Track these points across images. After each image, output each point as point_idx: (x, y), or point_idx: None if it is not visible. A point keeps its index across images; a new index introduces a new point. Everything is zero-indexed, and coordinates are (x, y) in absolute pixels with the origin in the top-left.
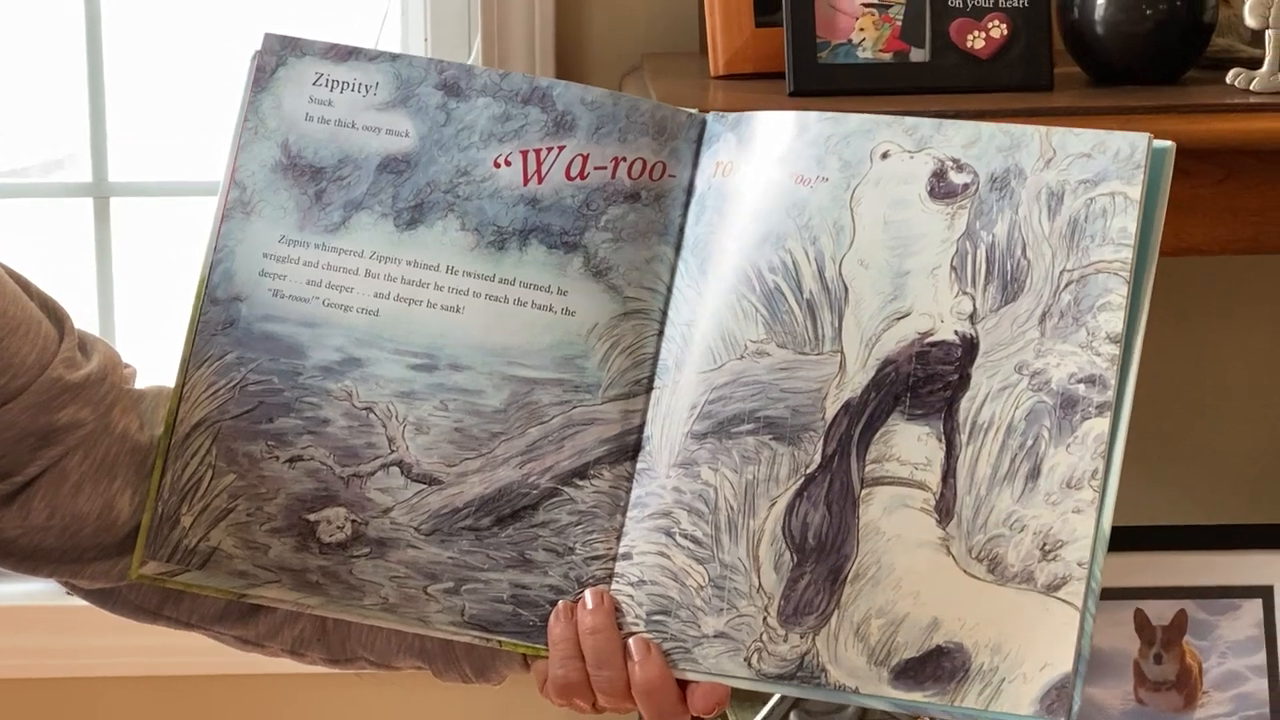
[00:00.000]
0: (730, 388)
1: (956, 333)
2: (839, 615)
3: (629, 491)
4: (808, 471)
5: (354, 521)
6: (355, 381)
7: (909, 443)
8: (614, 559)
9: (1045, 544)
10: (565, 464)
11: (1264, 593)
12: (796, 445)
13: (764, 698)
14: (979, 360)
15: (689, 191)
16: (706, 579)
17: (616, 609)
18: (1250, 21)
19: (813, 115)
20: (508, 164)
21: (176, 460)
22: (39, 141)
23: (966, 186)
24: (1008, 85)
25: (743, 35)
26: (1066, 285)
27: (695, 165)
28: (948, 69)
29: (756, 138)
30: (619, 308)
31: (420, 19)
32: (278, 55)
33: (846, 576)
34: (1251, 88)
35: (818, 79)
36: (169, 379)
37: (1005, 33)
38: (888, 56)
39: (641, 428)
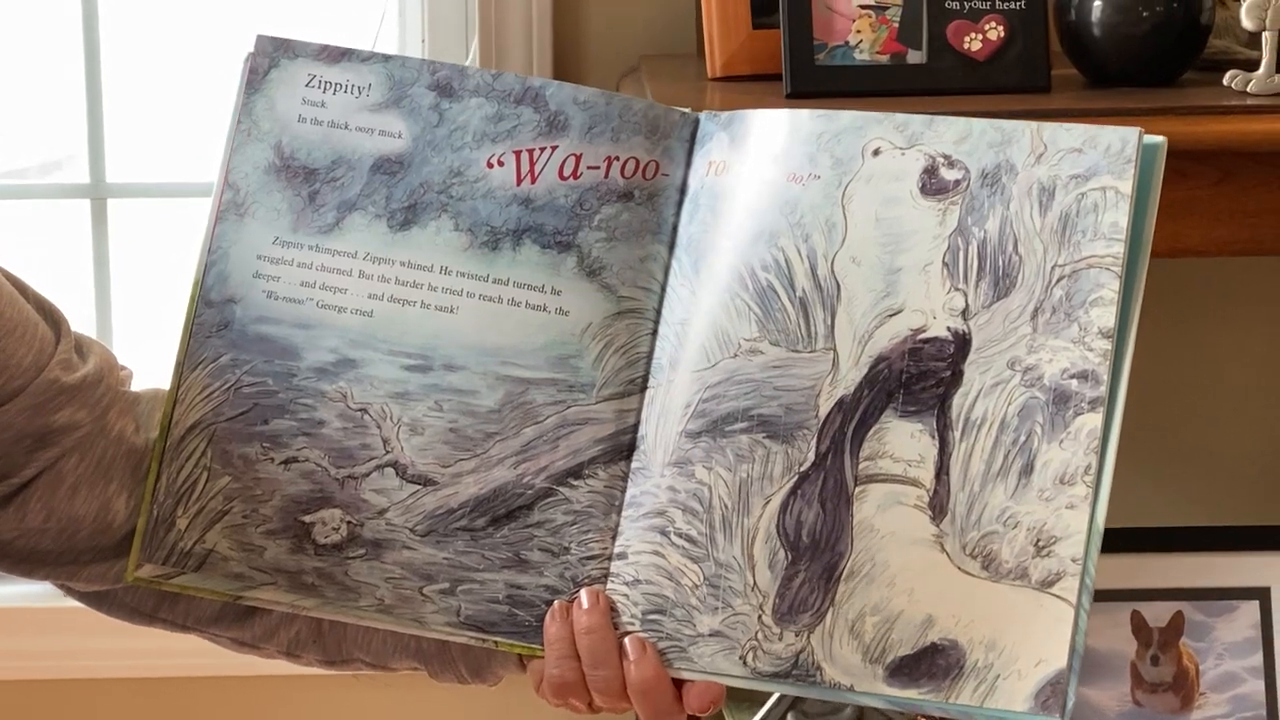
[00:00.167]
0: (724, 386)
1: (949, 329)
2: (834, 613)
3: (624, 491)
4: (801, 469)
5: (349, 523)
6: (350, 383)
7: (902, 440)
8: (609, 558)
9: (1039, 540)
10: (560, 464)
11: (1261, 594)
12: (790, 443)
13: (762, 699)
14: (971, 356)
15: (682, 190)
16: (701, 578)
17: (612, 608)
18: (1247, 23)
19: (804, 113)
20: (501, 164)
21: (172, 463)
22: (37, 143)
23: (958, 183)
24: (1005, 87)
25: (740, 37)
26: (1058, 280)
27: (688, 164)
28: (945, 71)
29: (749, 136)
30: (613, 307)
31: (417, 21)
32: (270, 57)
33: (841, 574)
34: (1249, 89)
35: (815, 81)
36: (166, 381)
37: (1002, 35)
38: (885, 58)
39: (636, 427)
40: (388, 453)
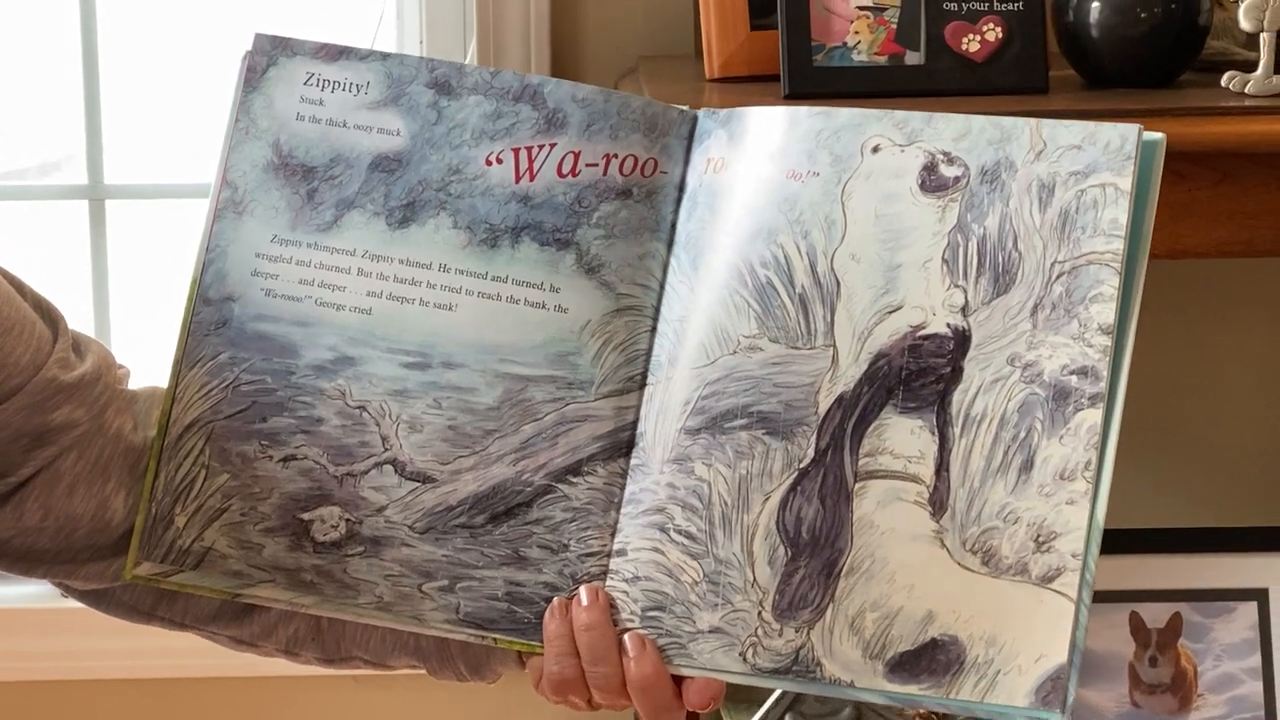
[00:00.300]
0: (723, 383)
1: (948, 325)
2: (834, 609)
3: (623, 488)
4: (801, 466)
5: (348, 520)
6: (348, 380)
7: (902, 436)
8: (608, 555)
9: (1039, 535)
10: (559, 461)
11: (1259, 595)
12: (790, 440)
13: (760, 699)
14: (971, 353)
15: (680, 188)
16: (701, 574)
17: (611, 605)
18: (1245, 24)
19: (803, 110)
20: (499, 162)
21: (170, 461)
22: (35, 144)
23: (957, 179)
24: (1003, 88)
25: (738, 38)
26: (1058, 277)
27: (687, 162)
28: (943, 72)
29: (747, 134)
30: (611, 304)
31: (415, 21)
32: (268, 55)
33: (841, 570)
34: (1246, 90)
35: (813, 82)
36: (164, 380)
37: (1000, 36)
38: (883, 59)
39: (635, 424)
40: (386, 450)
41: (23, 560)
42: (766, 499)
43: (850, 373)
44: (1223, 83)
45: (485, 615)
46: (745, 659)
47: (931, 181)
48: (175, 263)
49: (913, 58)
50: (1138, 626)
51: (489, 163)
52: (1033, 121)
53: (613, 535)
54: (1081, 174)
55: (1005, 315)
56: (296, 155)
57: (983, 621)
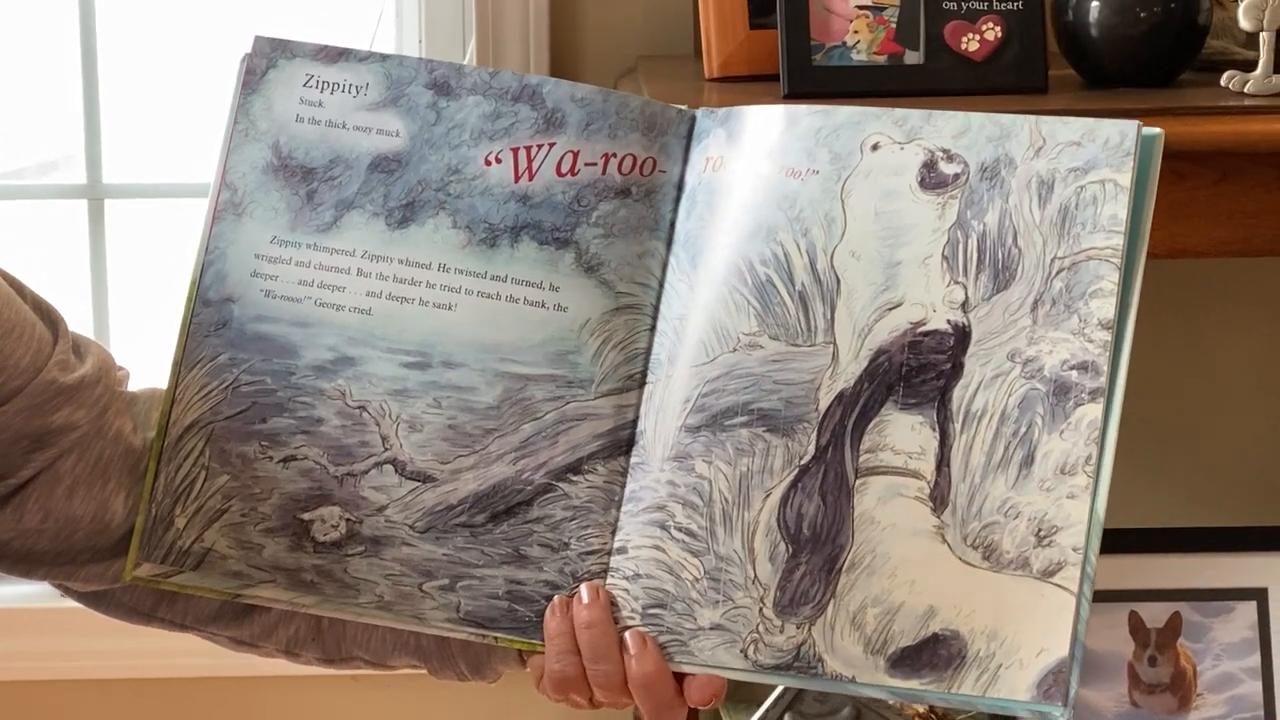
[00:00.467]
0: (723, 380)
1: (949, 322)
2: (835, 605)
3: (623, 486)
4: (802, 463)
5: (348, 520)
6: (348, 380)
7: (903, 432)
8: (609, 553)
9: (1040, 530)
10: (559, 459)
11: (1258, 595)
12: (790, 437)
13: (760, 698)
14: (971, 349)
15: (679, 186)
16: (702, 571)
17: (612, 603)
18: (1244, 24)
19: (802, 108)
20: (498, 161)
21: (170, 462)
22: (34, 143)
23: (957, 176)
24: (1002, 88)
25: (737, 38)
26: (1058, 273)
27: (685, 160)
28: (942, 71)
29: (746, 132)
30: (611, 303)
31: (414, 22)
32: (268, 57)
33: (842, 566)
34: (1246, 90)
35: (812, 81)
36: (163, 381)
37: (1000, 35)
38: (882, 59)
39: (635, 422)
40: (386, 450)
41: (22, 562)
42: (767, 496)
43: (850, 369)
44: (1222, 82)
45: (486, 614)
46: (746, 656)
47: (931, 179)
48: (174, 262)
49: (912, 57)
50: (1137, 626)
51: (488, 162)
52: (1032, 118)
53: (613, 533)
54: (1081, 170)
55: (1005, 311)
56: (296, 156)
57: (984, 616)
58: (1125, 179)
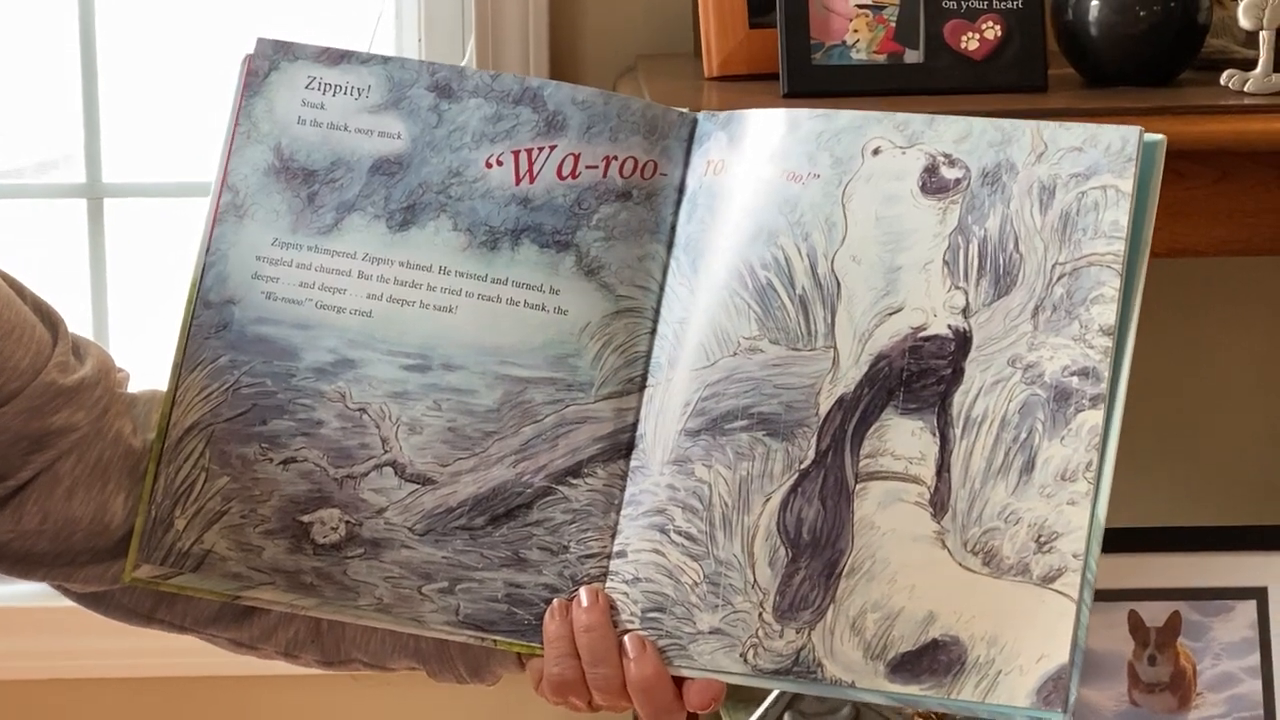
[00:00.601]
0: (723, 384)
1: (949, 327)
2: (834, 610)
3: (623, 489)
4: (802, 467)
5: (348, 522)
6: (348, 383)
7: (903, 437)
8: (609, 557)
9: (1040, 536)
10: (559, 462)
11: (1258, 594)
12: (790, 441)
13: (759, 699)
14: (972, 354)
15: (680, 190)
16: (701, 575)
17: (612, 606)
18: (1244, 23)
19: (803, 112)
20: (499, 164)
21: (170, 464)
22: (33, 142)
23: (958, 181)
24: (1002, 87)
25: (737, 37)
26: (1059, 278)
27: (686, 164)
28: (942, 70)
29: (747, 136)
30: (611, 306)
31: (414, 21)
32: (270, 60)
33: (842, 571)
34: (1246, 89)
35: (812, 81)
36: (162, 382)
37: (999, 34)
38: (882, 58)
39: (635, 425)
40: (386, 452)
41: (21, 563)
42: (767, 500)
43: (851, 374)
44: (1222, 81)
45: (485, 617)
46: (746, 660)
47: (932, 183)
48: (174, 262)
49: (912, 56)
50: (1137, 625)
51: (489, 165)
52: (1033, 124)
53: (613, 537)
54: (1082, 176)
55: (1006, 317)
56: (297, 158)
57: (984, 622)
58: (1127, 185)
